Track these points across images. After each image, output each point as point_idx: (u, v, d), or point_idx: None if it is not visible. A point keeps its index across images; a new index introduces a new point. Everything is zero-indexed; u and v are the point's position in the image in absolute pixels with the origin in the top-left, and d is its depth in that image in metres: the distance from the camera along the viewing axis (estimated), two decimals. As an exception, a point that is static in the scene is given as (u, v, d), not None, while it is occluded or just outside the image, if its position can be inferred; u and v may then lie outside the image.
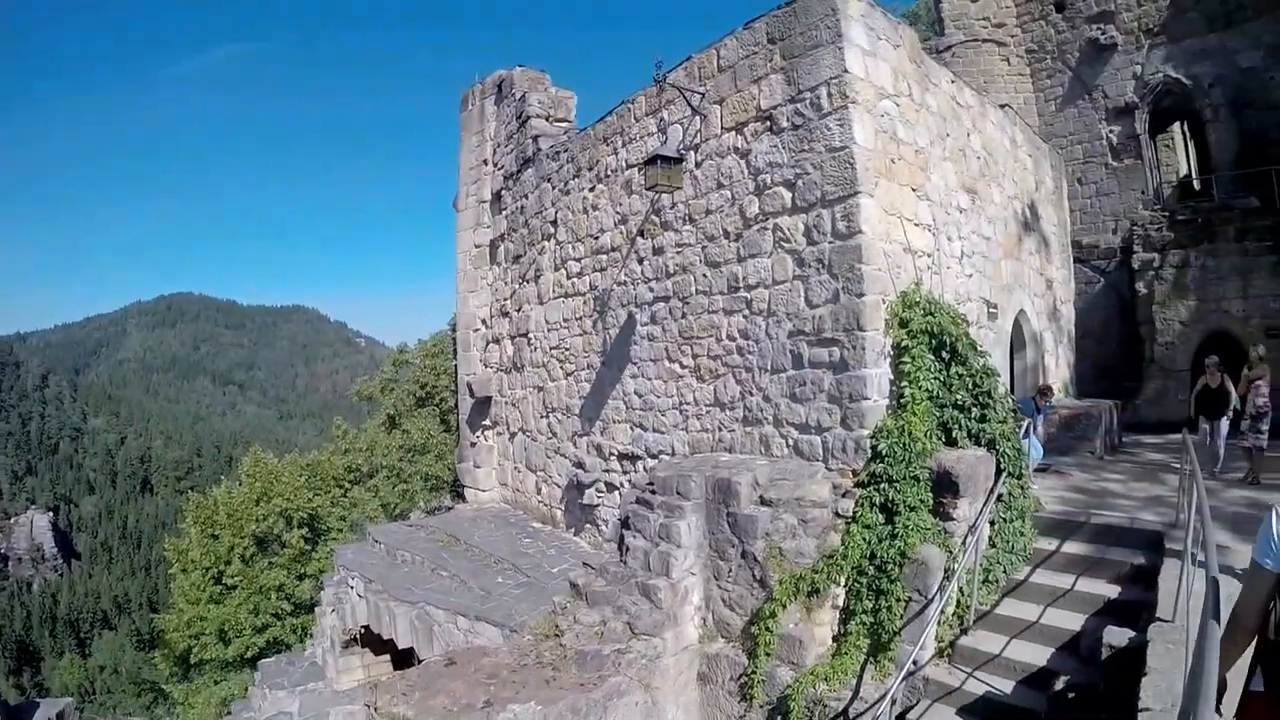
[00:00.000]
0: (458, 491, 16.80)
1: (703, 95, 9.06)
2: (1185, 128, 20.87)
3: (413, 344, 28.99)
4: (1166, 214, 15.09)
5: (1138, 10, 17.00)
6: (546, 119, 13.72)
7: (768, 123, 8.26)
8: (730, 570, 7.40)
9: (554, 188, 12.21)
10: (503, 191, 14.36)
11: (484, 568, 10.71)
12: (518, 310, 13.37)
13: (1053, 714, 5.73)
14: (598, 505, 11.08)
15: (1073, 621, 6.52)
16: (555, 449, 12.17)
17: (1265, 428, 8.68)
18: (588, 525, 11.42)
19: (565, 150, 12.02)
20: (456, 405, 17.51)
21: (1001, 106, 12.71)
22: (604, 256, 10.79)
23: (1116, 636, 5.49)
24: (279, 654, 13.07)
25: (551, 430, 12.25)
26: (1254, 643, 2.66)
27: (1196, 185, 19.19)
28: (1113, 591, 6.70)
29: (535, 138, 13.23)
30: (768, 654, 6.83)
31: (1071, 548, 7.39)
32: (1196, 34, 16.27)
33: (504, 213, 14.23)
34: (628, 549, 7.97)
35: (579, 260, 11.39)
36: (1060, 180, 16.30)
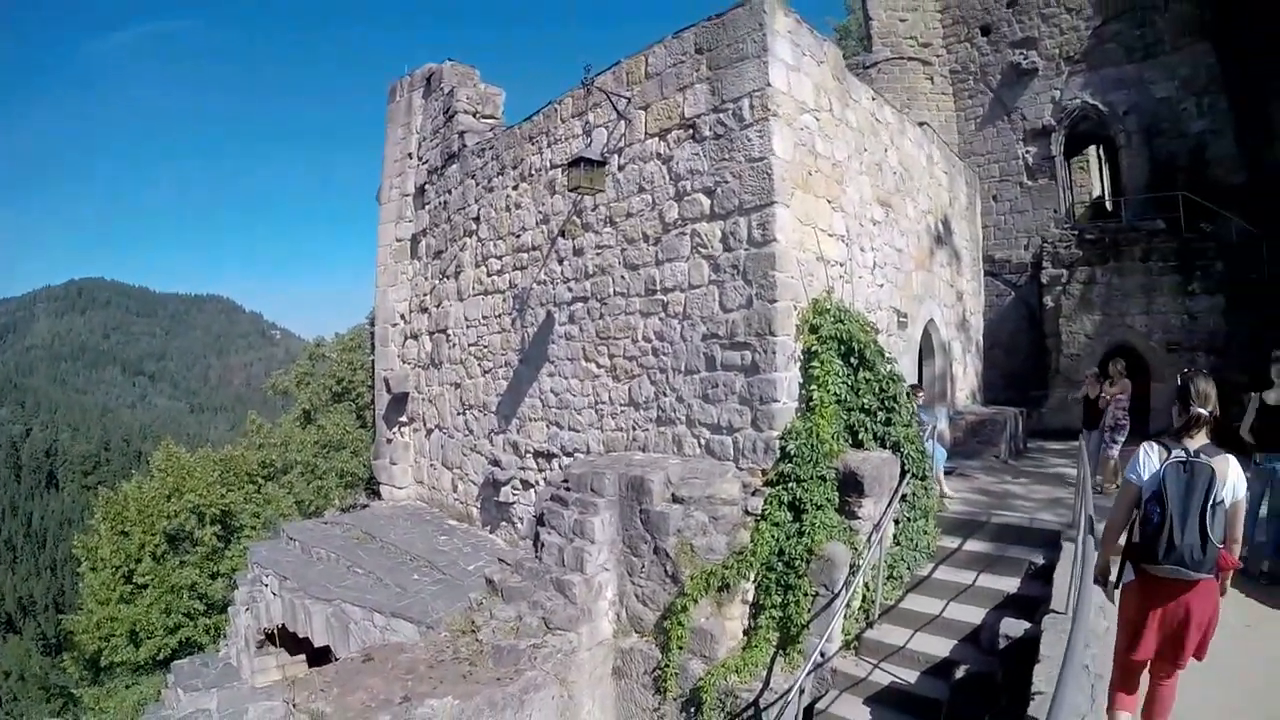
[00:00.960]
0: (373, 489, 16.45)
1: (629, 100, 9.16)
2: (1100, 151, 21.94)
3: (330, 338, 28.32)
4: (1076, 233, 15.79)
5: (1060, 38, 17.87)
6: (474, 115, 13.59)
7: (691, 130, 8.42)
8: (643, 566, 7.53)
9: (478, 184, 12.11)
10: (426, 186, 14.13)
11: (400, 565, 10.62)
12: (437, 306, 13.18)
13: (954, 701, 6.03)
14: (513, 503, 11.04)
15: (974, 615, 6.87)
16: (472, 446, 12.05)
17: (1119, 439, 8.96)
18: (503, 523, 11.37)
19: (491, 147, 11.94)
20: (373, 401, 17.10)
21: (920, 124, 13.25)
22: (525, 255, 10.77)
23: (1014, 628, 5.85)
24: (192, 655, 12.51)
25: (468, 427, 12.13)
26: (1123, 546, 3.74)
27: (1108, 206, 20.28)
28: (1012, 587, 7.06)
29: (461, 133, 13.07)
30: (680, 648, 6.98)
31: (974, 546, 7.79)
32: (1115, 64, 17.17)
33: (427, 207, 14.01)
34: (543, 545, 8.03)
35: (500, 258, 11.33)
36: (975, 197, 17.05)
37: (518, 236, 10.94)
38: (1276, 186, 14.72)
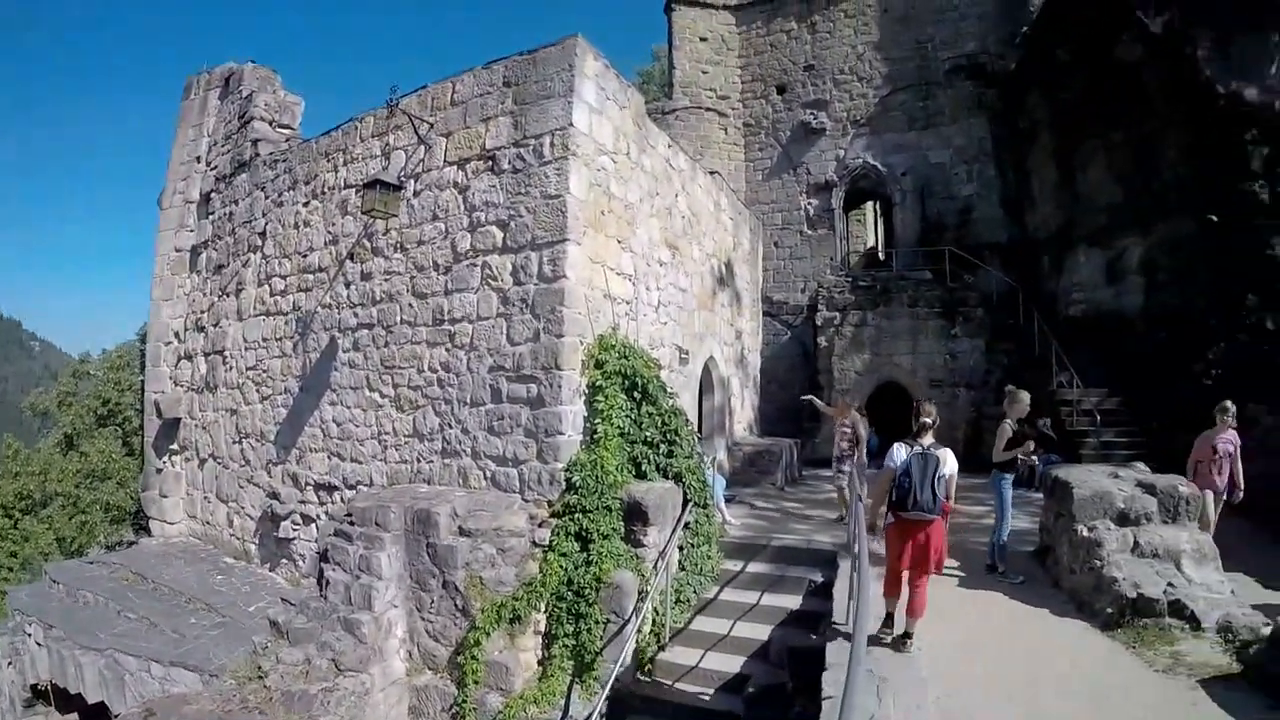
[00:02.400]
0: (142, 524, 14.74)
1: (431, 126, 9.03)
2: (877, 207, 24.31)
3: (96, 353, 25.55)
4: (850, 279, 17.16)
5: (849, 103, 19.76)
6: (270, 123, 12.79)
7: (490, 162, 8.42)
8: (433, 601, 7.36)
9: (267, 197, 11.35)
10: (213, 194, 13.06)
11: (176, 608, 9.80)
12: (215, 325, 12.11)
13: (749, 713, 6.34)
14: (294, 538, 10.29)
15: (761, 632, 7.25)
16: (249, 478, 11.11)
17: (845, 469, 9.46)
18: (284, 560, 10.55)
19: (284, 159, 11.25)
20: (142, 426, 15.36)
21: (711, 173, 14.08)
22: (311, 276, 10.20)
23: (799, 640, 6.28)
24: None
25: (245, 457, 11.18)
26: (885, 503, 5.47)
27: (881, 257, 22.49)
28: (795, 604, 7.55)
29: (255, 141, 12.25)
30: (476, 682, 6.88)
31: (756, 568, 8.23)
32: (897, 130, 19.23)
33: (211, 217, 12.92)
34: (328, 583, 7.63)
35: (284, 278, 10.65)
36: (757, 243, 18.21)
37: (305, 256, 10.35)
38: (1033, 246, 17.25)
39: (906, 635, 5.36)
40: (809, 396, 11.43)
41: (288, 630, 7.39)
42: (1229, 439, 7.99)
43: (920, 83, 19.07)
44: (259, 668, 7.06)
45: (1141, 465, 7.91)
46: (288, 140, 12.19)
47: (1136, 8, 13.55)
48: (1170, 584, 5.96)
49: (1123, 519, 6.64)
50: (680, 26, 20.96)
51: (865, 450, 9.85)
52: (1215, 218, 12.55)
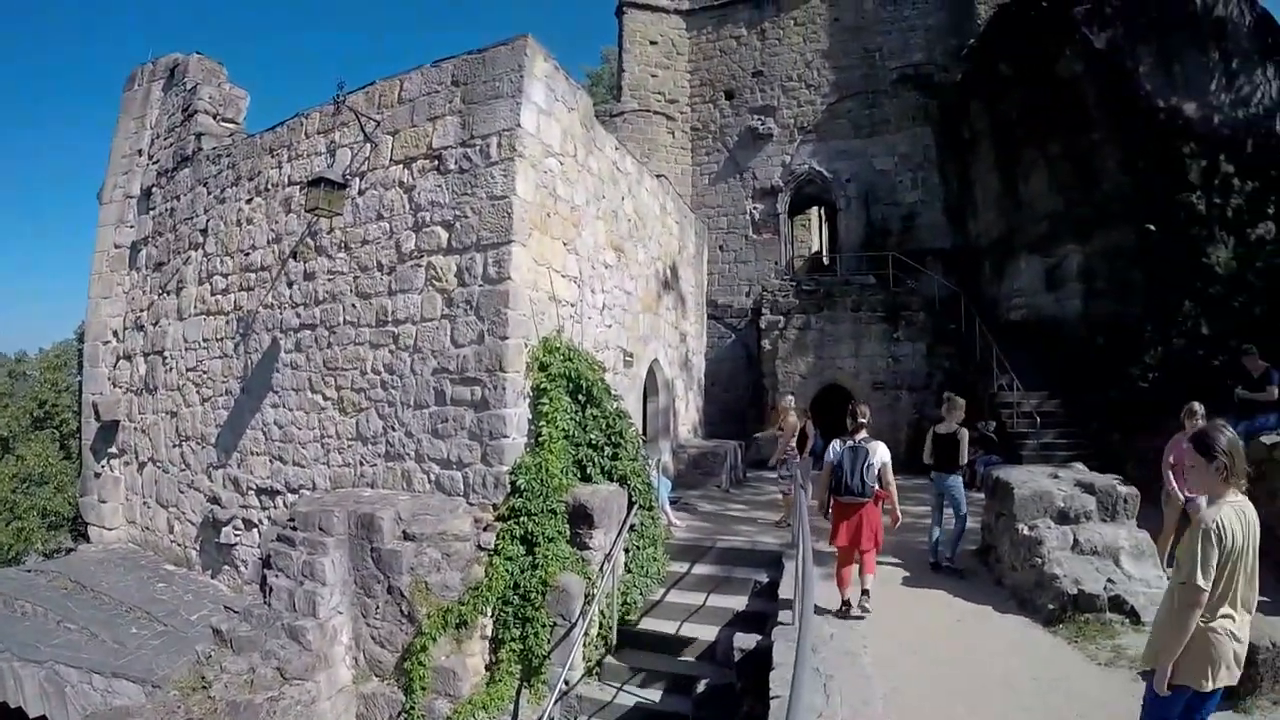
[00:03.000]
0: (80, 530, 14.26)
1: (378, 124, 8.89)
2: (821, 212, 24.59)
3: (32, 353, 24.62)
4: (795, 283, 17.23)
5: (797, 110, 20.04)
6: (214, 117, 12.47)
7: (437, 162, 8.32)
8: (378, 607, 7.24)
9: (209, 193, 11.06)
10: (154, 189, 12.68)
11: (117, 618, 9.46)
12: (155, 324, 11.76)
13: (699, 714, 6.36)
14: (236, 544, 10.03)
15: (708, 633, 7.27)
16: (189, 482, 10.81)
17: (786, 474, 9.71)
18: (226, 566, 10.28)
19: (228, 155, 10.98)
20: (80, 429, 14.86)
21: (658, 176, 14.08)
22: (253, 275, 9.95)
23: (746, 641, 6.16)
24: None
25: (185, 461, 10.87)
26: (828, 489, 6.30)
27: (826, 261, 22.84)
28: (741, 604, 7.57)
29: (199, 135, 11.93)
30: (424, 688, 6.80)
31: (702, 569, 8.24)
32: (843, 137, 19.59)
33: (152, 213, 12.54)
34: (271, 590, 7.47)
35: (226, 276, 10.38)
36: (703, 246, 18.23)
37: (247, 255, 10.10)
38: (975, 252, 17.67)
39: (865, 592, 6.26)
40: (789, 398, 11.47)
41: (231, 639, 7.22)
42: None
43: (867, 91, 19.47)
44: (203, 678, 6.90)
45: (1080, 465, 8.09)
46: (232, 135, 11.89)
47: (1082, 25, 13.99)
48: (1110, 580, 6.11)
49: (1063, 518, 6.79)
50: (631, 29, 21.03)
51: (812, 450, 10.00)
52: (1153, 227, 13.02)
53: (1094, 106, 14.10)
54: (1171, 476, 7.20)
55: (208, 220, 10.94)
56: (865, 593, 6.20)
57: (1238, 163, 12.99)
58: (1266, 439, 7.80)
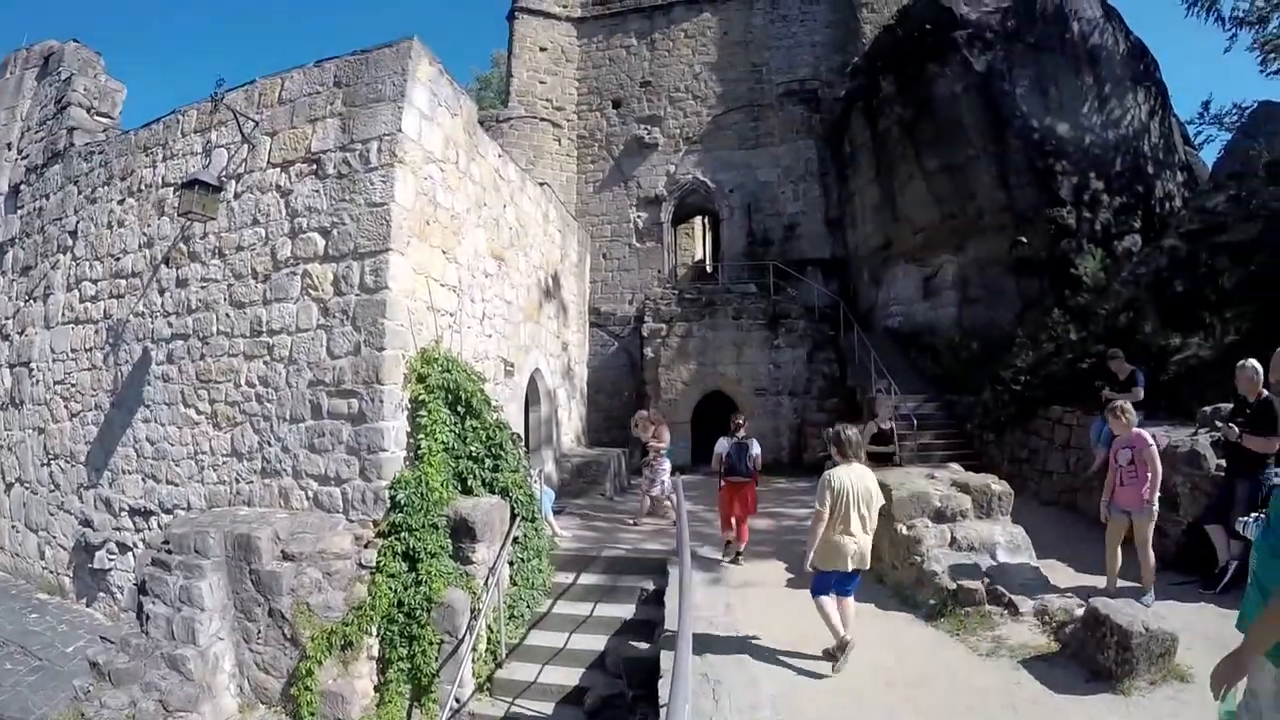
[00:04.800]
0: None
1: (257, 124, 8.52)
2: (705, 221, 24.99)
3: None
4: (677, 292, 17.58)
5: (683, 120, 20.28)
6: (89, 110, 11.82)
7: (315, 166, 8.04)
8: (260, 631, 6.95)
9: (80, 193, 10.43)
10: (23, 186, 11.90)
11: None
12: (21, 333, 11.00)
13: None
14: (110, 569, 9.48)
15: (597, 643, 7.25)
16: (59, 504, 10.17)
17: (654, 477, 10.21)
18: (101, 593, 9.71)
19: (101, 152, 10.37)
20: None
21: (541, 184, 13.97)
22: (124, 282, 9.41)
23: (634, 649, 6.34)
24: None
25: (54, 481, 10.22)
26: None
27: (709, 269, 23.20)
28: (628, 613, 7.58)
29: (71, 130, 11.28)
30: (311, 714, 6.58)
31: (588, 579, 8.22)
32: (728, 148, 19.91)
33: (20, 212, 11.77)
34: (148, 617, 7.08)
35: (96, 282, 9.78)
36: (585, 254, 18.21)
37: (118, 259, 9.55)
38: (855, 261, 18.34)
39: (739, 554, 8.13)
40: (643, 414, 11.75)
41: (109, 671, 6.83)
42: (1128, 442, 6.12)
43: (753, 104, 19.90)
44: (82, 715, 6.54)
45: (956, 466, 8.40)
46: (106, 131, 11.29)
47: (963, 47, 14.60)
48: (987, 575, 6.32)
49: (939, 516, 6.99)
50: (521, 35, 20.93)
51: (664, 456, 10.36)
52: (1025, 240, 13.71)
53: (971, 124, 14.76)
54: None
55: (78, 222, 10.31)
56: (740, 555, 8.17)
57: (1107, 180, 13.93)
58: (1135, 435, 8.22)
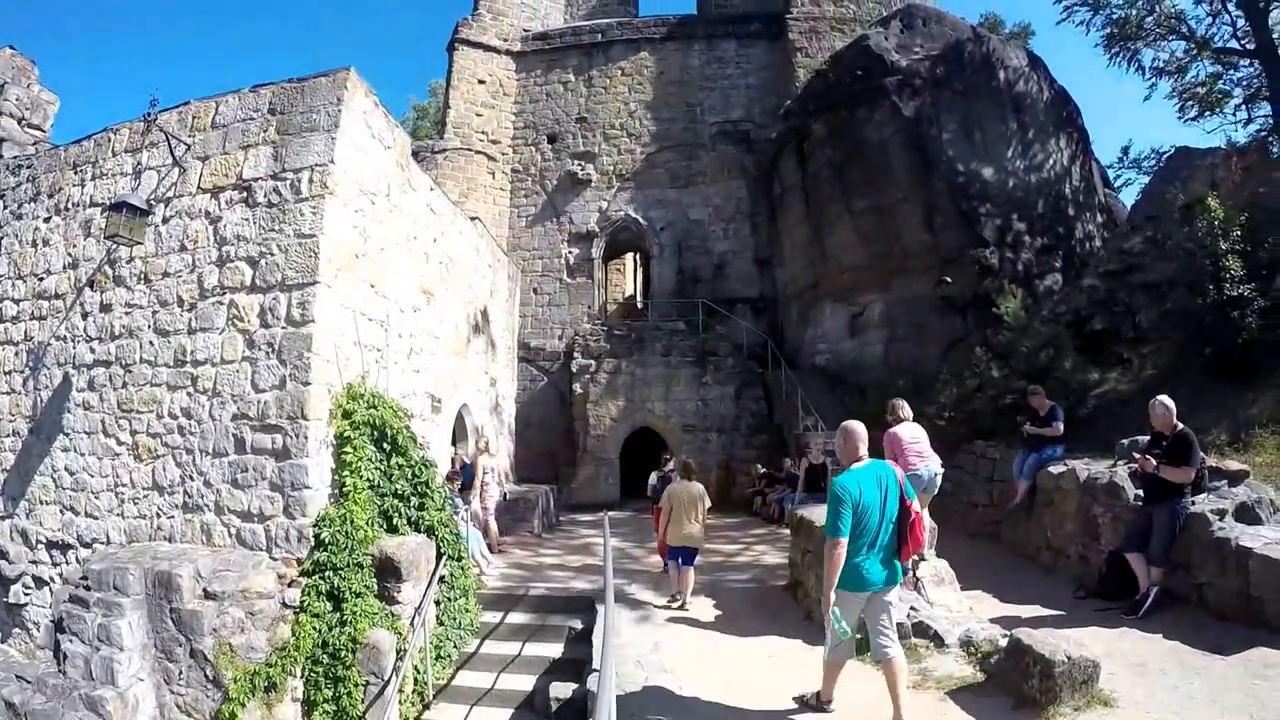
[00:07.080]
0: None
1: (189, 147, 8.41)
2: (636, 258, 25.15)
3: None
4: (606, 328, 17.70)
5: (617, 157, 20.46)
6: (20, 121, 11.58)
7: (246, 193, 7.96)
8: (181, 672, 6.79)
9: (5, 208, 10.12)
10: (-52, 199, 11.51)
11: None
12: (-62, 354, 10.66)
13: None
14: (26, 604, 9.15)
15: (525, 683, 7.21)
16: (-26, 532, 9.85)
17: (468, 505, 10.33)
18: (17, 629, 9.36)
19: (29, 166, 10.09)
20: None
21: (473, 219, 14.02)
22: (46, 303, 9.15)
23: (562, 690, 6.33)
24: None
25: (-32, 508, 9.90)
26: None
27: (639, 305, 23.27)
28: (557, 652, 7.57)
29: (0, 141, 10.94)
30: None
31: (515, 618, 8.18)
32: (660, 186, 20.14)
33: (-57, 226, 11.38)
34: (66, 656, 6.89)
35: (18, 302, 9.48)
36: (515, 289, 18.25)
37: (41, 280, 9.29)
38: (783, 300, 18.63)
39: (685, 603, 7.84)
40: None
41: (26, 713, 6.66)
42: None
43: (687, 143, 20.20)
44: None
45: (882, 502, 8.57)
46: (36, 144, 11.05)
47: (892, 94, 14.96)
48: (913, 608, 6.41)
49: (866, 551, 7.14)
50: (460, 66, 20.98)
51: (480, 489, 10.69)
52: (949, 279, 14.04)
53: (900, 167, 15.13)
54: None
55: (1, 238, 10.03)
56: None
57: (1029, 221, 14.43)
58: (1054, 469, 8.51)
